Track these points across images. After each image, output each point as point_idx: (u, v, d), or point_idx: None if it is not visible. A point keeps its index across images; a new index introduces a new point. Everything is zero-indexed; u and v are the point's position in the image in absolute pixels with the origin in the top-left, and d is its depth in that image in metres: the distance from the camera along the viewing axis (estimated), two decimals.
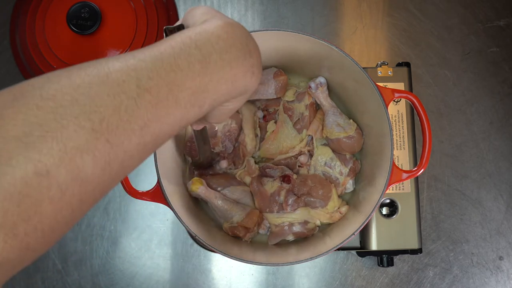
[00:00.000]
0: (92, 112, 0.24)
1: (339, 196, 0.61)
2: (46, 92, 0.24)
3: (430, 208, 0.70)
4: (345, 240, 0.52)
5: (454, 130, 0.73)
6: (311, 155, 0.62)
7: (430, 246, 0.69)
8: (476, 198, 0.71)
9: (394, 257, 0.65)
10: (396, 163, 0.61)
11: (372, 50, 0.74)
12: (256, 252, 0.56)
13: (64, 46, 0.69)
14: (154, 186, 0.53)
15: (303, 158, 0.62)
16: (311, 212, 0.59)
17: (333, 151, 0.61)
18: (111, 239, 0.69)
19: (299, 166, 0.62)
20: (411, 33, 0.75)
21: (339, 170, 0.60)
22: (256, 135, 0.63)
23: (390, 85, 0.64)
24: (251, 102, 0.64)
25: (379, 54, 0.74)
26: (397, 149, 0.64)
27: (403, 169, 0.60)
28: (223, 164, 0.61)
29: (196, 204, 0.61)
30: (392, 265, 0.64)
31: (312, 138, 0.62)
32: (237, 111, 0.62)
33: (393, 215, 0.62)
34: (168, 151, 0.57)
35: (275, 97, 0.62)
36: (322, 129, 0.62)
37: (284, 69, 0.63)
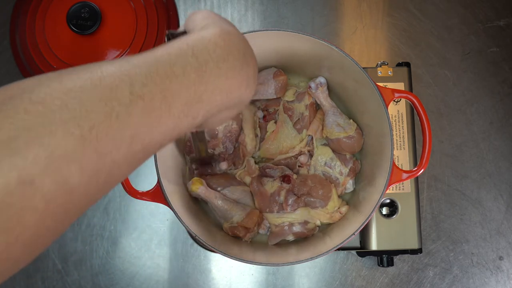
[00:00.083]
0: (82, 118, 0.23)
1: (339, 196, 0.61)
2: (36, 96, 0.23)
3: (430, 208, 0.70)
4: (345, 240, 0.52)
5: (454, 130, 0.73)
6: (311, 155, 0.62)
7: (430, 246, 0.69)
8: (476, 198, 0.71)
9: (394, 257, 0.65)
10: (396, 163, 0.61)
11: (372, 50, 0.74)
12: (256, 252, 0.56)
13: (64, 46, 0.69)
14: (154, 186, 0.53)
15: (303, 158, 0.62)
16: (311, 212, 0.59)
17: (333, 151, 0.61)
18: (111, 239, 0.69)
19: (299, 166, 0.62)
20: (411, 33, 0.75)
21: (339, 170, 0.60)
22: (256, 135, 0.63)
23: (390, 85, 0.64)
24: (251, 102, 0.64)
25: (379, 54, 0.74)
26: (397, 149, 0.64)
27: (403, 169, 0.60)
28: (223, 165, 0.61)
29: (196, 204, 0.61)
30: (392, 265, 0.64)
31: (312, 138, 0.62)
32: None
33: (393, 215, 0.62)
34: (168, 151, 0.57)
35: (275, 97, 0.62)
36: (322, 129, 0.62)
37: (284, 69, 0.63)
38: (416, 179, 0.63)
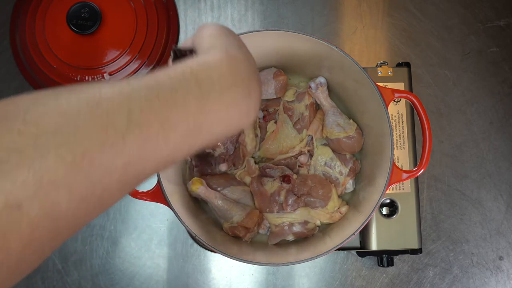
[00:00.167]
0: (76, 143, 0.22)
1: (339, 196, 0.61)
2: (30, 116, 0.22)
3: (430, 208, 0.70)
4: (345, 240, 0.52)
5: (454, 130, 0.73)
6: (311, 155, 0.62)
7: (430, 246, 0.69)
8: (476, 198, 0.71)
9: (394, 257, 0.65)
10: (396, 163, 0.61)
11: (372, 50, 0.74)
12: (256, 252, 0.56)
13: (64, 46, 0.69)
14: (154, 186, 0.53)
15: (303, 158, 0.62)
16: (311, 212, 0.59)
17: (333, 151, 0.61)
18: (111, 239, 0.69)
19: (299, 166, 0.62)
20: (411, 33, 0.75)
21: (339, 170, 0.60)
22: (256, 135, 0.63)
23: (390, 85, 0.64)
24: None
25: (379, 54, 0.74)
26: (397, 149, 0.64)
27: (403, 169, 0.60)
28: (223, 167, 0.61)
29: (196, 204, 0.61)
30: (392, 265, 0.64)
31: (312, 138, 0.62)
32: None
33: (393, 215, 0.62)
34: None
35: (275, 97, 0.62)
36: (322, 129, 0.62)
37: (284, 69, 0.63)
38: (416, 179, 0.63)
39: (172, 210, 0.52)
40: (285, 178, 0.60)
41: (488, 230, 0.70)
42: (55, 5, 0.70)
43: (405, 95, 0.55)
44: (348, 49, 0.74)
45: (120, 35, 0.70)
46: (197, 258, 0.69)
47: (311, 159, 0.62)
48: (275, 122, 0.63)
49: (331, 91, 0.63)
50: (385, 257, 0.63)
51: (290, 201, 0.59)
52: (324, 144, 0.62)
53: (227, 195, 0.60)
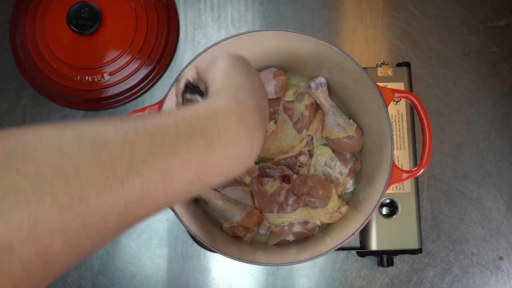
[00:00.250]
0: (75, 187, 0.22)
1: (339, 196, 0.61)
2: (31, 155, 0.21)
3: (430, 208, 0.70)
4: (345, 240, 0.52)
5: (454, 130, 0.73)
6: (311, 155, 0.62)
7: (430, 246, 0.69)
8: (476, 198, 0.71)
9: (394, 257, 0.65)
10: (396, 163, 0.61)
11: (372, 50, 0.74)
12: (256, 252, 0.56)
13: (64, 46, 0.69)
14: None
15: (303, 158, 0.62)
16: (311, 212, 0.59)
17: (333, 151, 0.61)
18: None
19: (299, 166, 0.62)
20: (411, 33, 0.75)
21: (339, 170, 0.60)
22: None
23: (390, 85, 0.64)
24: None
25: (379, 54, 0.74)
26: (397, 149, 0.64)
27: (403, 169, 0.60)
28: None
29: (196, 204, 0.61)
30: (392, 265, 0.64)
31: (312, 138, 0.62)
32: None
33: (393, 215, 0.62)
34: None
35: (275, 97, 0.62)
36: (322, 129, 0.62)
37: (284, 69, 0.63)
38: (416, 179, 0.63)
39: (172, 210, 0.52)
40: (285, 178, 0.60)
41: (488, 230, 0.70)
42: (55, 5, 0.70)
43: (405, 95, 0.55)
44: (348, 49, 0.74)
45: (120, 35, 0.70)
46: (197, 258, 0.69)
47: (311, 159, 0.62)
48: (275, 122, 0.63)
49: (331, 91, 0.63)
50: (385, 257, 0.63)
51: (290, 201, 0.59)
52: (324, 144, 0.62)
53: (227, 195, 0.60)
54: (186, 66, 0.54)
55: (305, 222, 0.60)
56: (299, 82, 0.65)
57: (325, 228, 0.61)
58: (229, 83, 0.32)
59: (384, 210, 0.64)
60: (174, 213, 0.52)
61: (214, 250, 0.51)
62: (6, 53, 0.73)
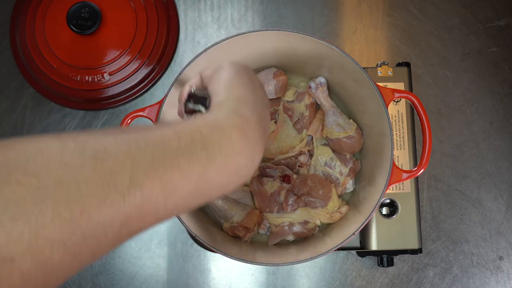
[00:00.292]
0: (76, 200, 0.22)
1: (339, 196, 0.61)
2: (32, 166, 0.21)
3: (430, 208, 0.70)
4: (345, 240, 0.52)
5: (454, 130, 0.73)
6: (311, 155, 0.62)
7: (430, 246, 0.69)
8: (476, 198, 0.71)
9: (394, 257, 0.65)
10: (396, 163, 0.61)
11: (372, 50, 0.74)
12: (256, 252, 0.56)
13: (64, 46, 0.69)
14: None
15: (303, 158, 0.62)
16: (311, 212, 0.59)
17: (333, 151, 0.61)
18: None
19: (299, 166, 0.62)
20: (411, 33, 0.75)
21: (339, 170, 0.60)
22: None
23: (390, 85, 0.64)
24: None
25: (379, 54, 0.74)
26: (397, 149, 0.64)
27: (403, 169, 0.60)
28: None
29: None
30: (392, 265, 0.64)
31: (312, 138, 0.62)
32: None
33: (393, 215, 0.62)
34: None
35: (275, 97, 0.62)
36: (322, 129, 0.62)
37: (284, 69, 0.63)
38: (416, 179, 0.63)
39: None
40: (285, 178, 0.60)
41: (488, 230, 0.70)
42: (55, 5, 0.70)
43: (405, 95, 0.55)
44: (348, 49, 0.74)
45: (120, 35, 0.70)
46: (197, 258, 0.69)
47: (311, 159, 0.62)
48: (275, 122, 0.63)
49: (331, 91, 0.63)
50: (385, 257, 0.63)
51: (290, 201, 0.59)
52: (324, 144, 0.62)
53: (227, 195, 0.60)
54: (186, 66, 0.54)
55: (305, 222, 0.60)
56: (299, 82, 0.65)
57: (325, 228, 0.61)
58: (232, 95, 0.33)
59: (384, 210, 0.64)
60: None
61: (214, 250, 0.51)
62: (6, 53, 0.73)
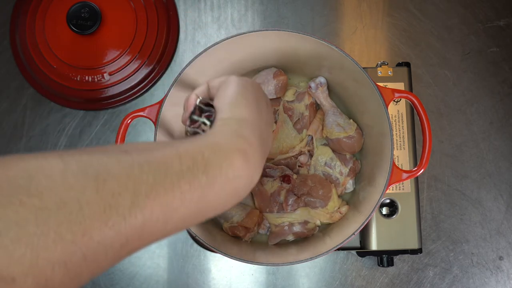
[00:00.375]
0: (78, 222, 0.22)
1: (339, 196, 0.61)
2: (35, 187, 0.22)
3: (430, 208, 0.70)
4: (345, 240, 0.52)
5: (454, 130, 0.73)
6: (311, 155, 0.62)
7: (430, 246, 0.69)
8: (476, 198, 0.71)
9: (394, 257, 0.65)
10: (396, 163, 0.61)
11: (372, 50, 0.74)
12: (256, 252, 0.56)
13: (64, 46, 0.69)
14: None
15: (303, 158, 0.62)
16: (311, 212, 0.59)
17: (333, 151, 0.61)
18: None
19: (299, 166, 0.62)
20: (411, 33, 0.75)
21: (339, 170, 0.60)
22: None
23: (390, 85, 0.64)
24: None
25: (379, 54, 0.74)
26: (397, 149, 0.64)
27: (403, 169, 0.60)
28: None
29: None
30: (392, 265, 0.64)
31: (312, 138, 0.62)
32: None
33: (393, 215, 0.62)
34: None
35: (275, 97, 0.62)
36: (322, 129, 0.62)
37: (284, 69, 0.63)
38: (416, 179, 0.63)
39: None
40: (285, 178, 0.60)
41: (488, 230, 0.70)
42: (55, 5, 0.70)
43: (405, 95, 0.55)
44: (348, 49, 0.74)
45: (120, 35, 0.70)
46: (197, 258, 0.69)
47: (311, 159, 0.62)
48: (275, 122, 0.63)
49: (331, 91, 0.63)
50: (385, 257, 0.63)
51: (290, 201, 0.59)
52: (324, 144, 0.62)
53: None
54: (186, 66, 0.54)
55: (305, 222, 0.60)
56: (299, 82, 0.65)
57: (325, 228, 0.61)
58: (235, 115, 0.33)
59: (384, 210, 0.64)
60: None
61: (214, 250, 0.51)
62: (6, 53, 0.73)
